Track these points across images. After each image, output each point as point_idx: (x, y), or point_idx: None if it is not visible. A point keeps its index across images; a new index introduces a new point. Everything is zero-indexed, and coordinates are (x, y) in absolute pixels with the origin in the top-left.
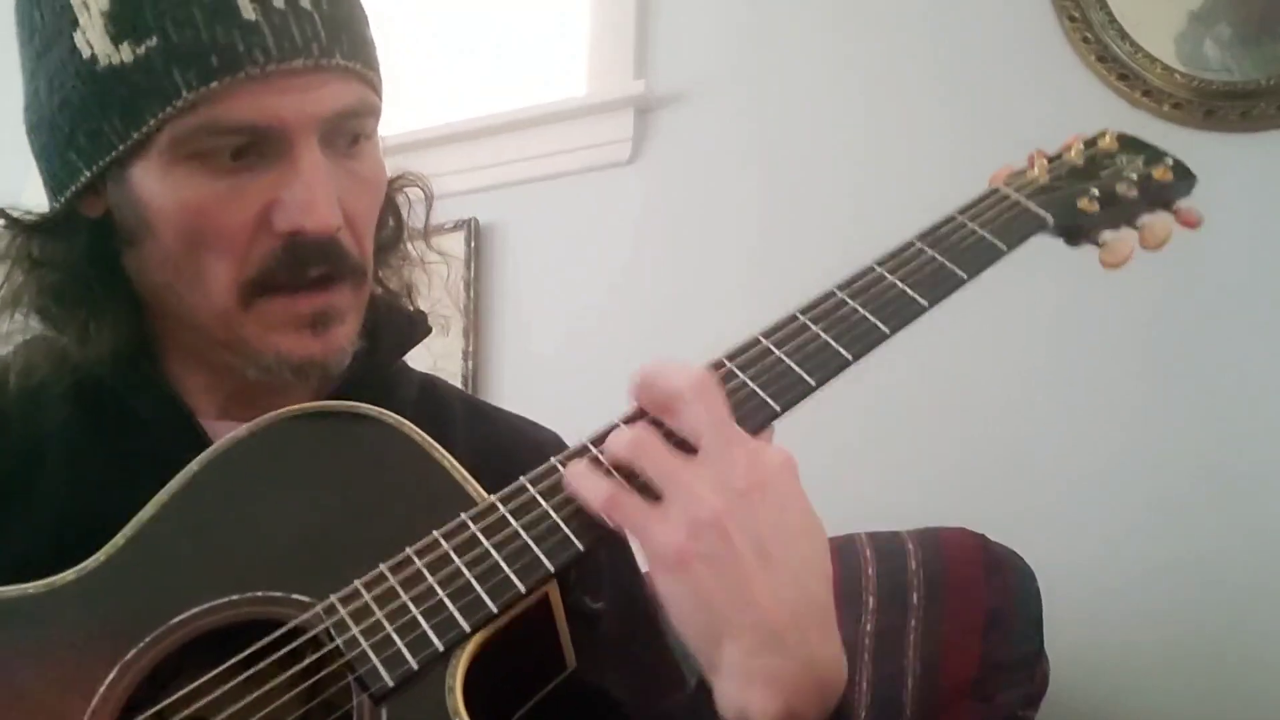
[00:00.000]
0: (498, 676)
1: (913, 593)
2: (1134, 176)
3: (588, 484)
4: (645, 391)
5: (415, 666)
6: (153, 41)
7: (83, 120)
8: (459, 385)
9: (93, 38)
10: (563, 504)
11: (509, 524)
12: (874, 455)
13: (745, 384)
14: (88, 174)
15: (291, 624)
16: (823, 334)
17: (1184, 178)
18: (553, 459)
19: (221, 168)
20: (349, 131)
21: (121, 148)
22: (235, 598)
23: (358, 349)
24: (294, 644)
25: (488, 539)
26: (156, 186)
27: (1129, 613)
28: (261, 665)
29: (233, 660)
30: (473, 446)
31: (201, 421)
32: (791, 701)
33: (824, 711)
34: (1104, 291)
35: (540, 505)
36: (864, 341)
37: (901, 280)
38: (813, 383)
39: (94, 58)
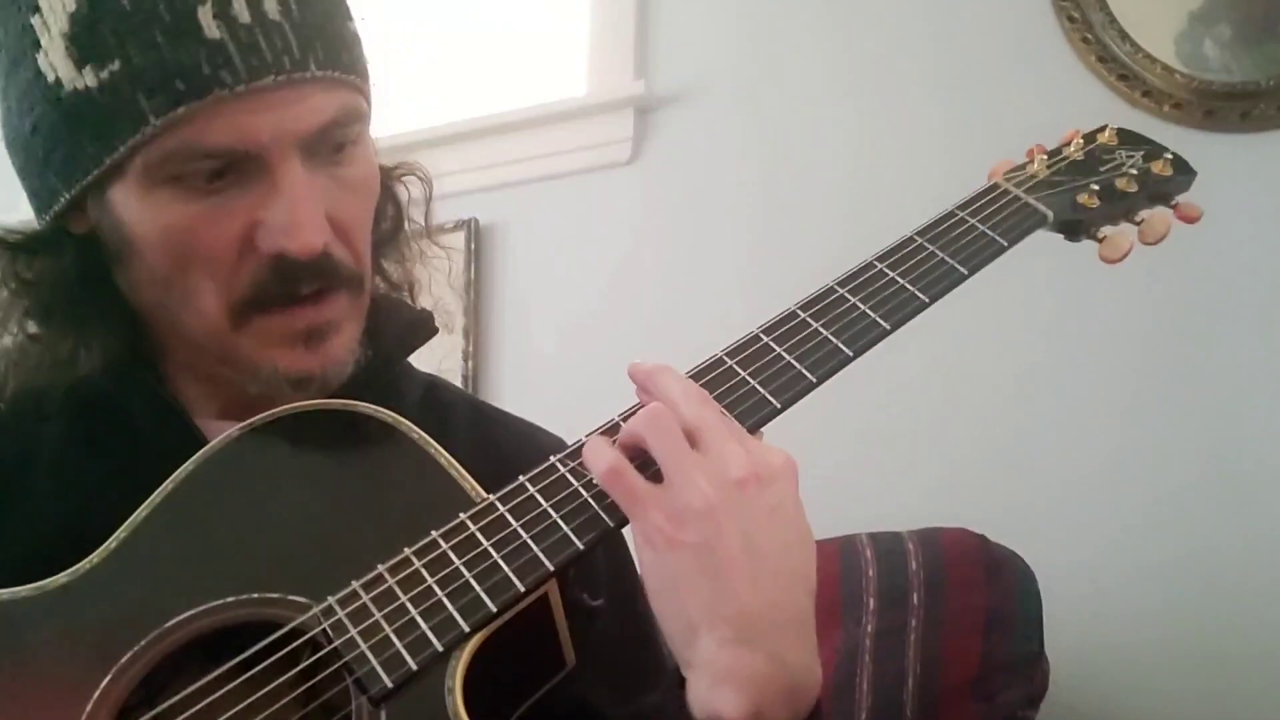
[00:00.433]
0: (497, 676)
1: (913, 593)
2: (1133, 171)
3: (596, 453)
4: (643, 394)
5: (415, 667)
6: (115, 65)
7: (55, 144)
8: (459, 385)
9: (55, 61)
10: (562, 503)
11: (508, 523)
12: (874, 455)
13: (746, 381)
14: (66, 195)
15: (290, 626)
16: (823, 330)
17: (1183, 172)
18: (552, 458)
19: (201, 189)
20: (334, 141)
21: (96, 172)
22: (232, 599)
23: (360, 355)
24: (292, 646)
25: (487, 539)
26: (136, 208)
27: (1129, 613)
28: (259, 668)
29: (230, 663)
30: (476, 449)
31: (199, 422)
32: (760, 703)
33: (794, 717)
34: (1104, 291)
35: (539, 504)
36: (864, 338)
37: (902, 276)
38: (814, 379)
39: (59, 82)
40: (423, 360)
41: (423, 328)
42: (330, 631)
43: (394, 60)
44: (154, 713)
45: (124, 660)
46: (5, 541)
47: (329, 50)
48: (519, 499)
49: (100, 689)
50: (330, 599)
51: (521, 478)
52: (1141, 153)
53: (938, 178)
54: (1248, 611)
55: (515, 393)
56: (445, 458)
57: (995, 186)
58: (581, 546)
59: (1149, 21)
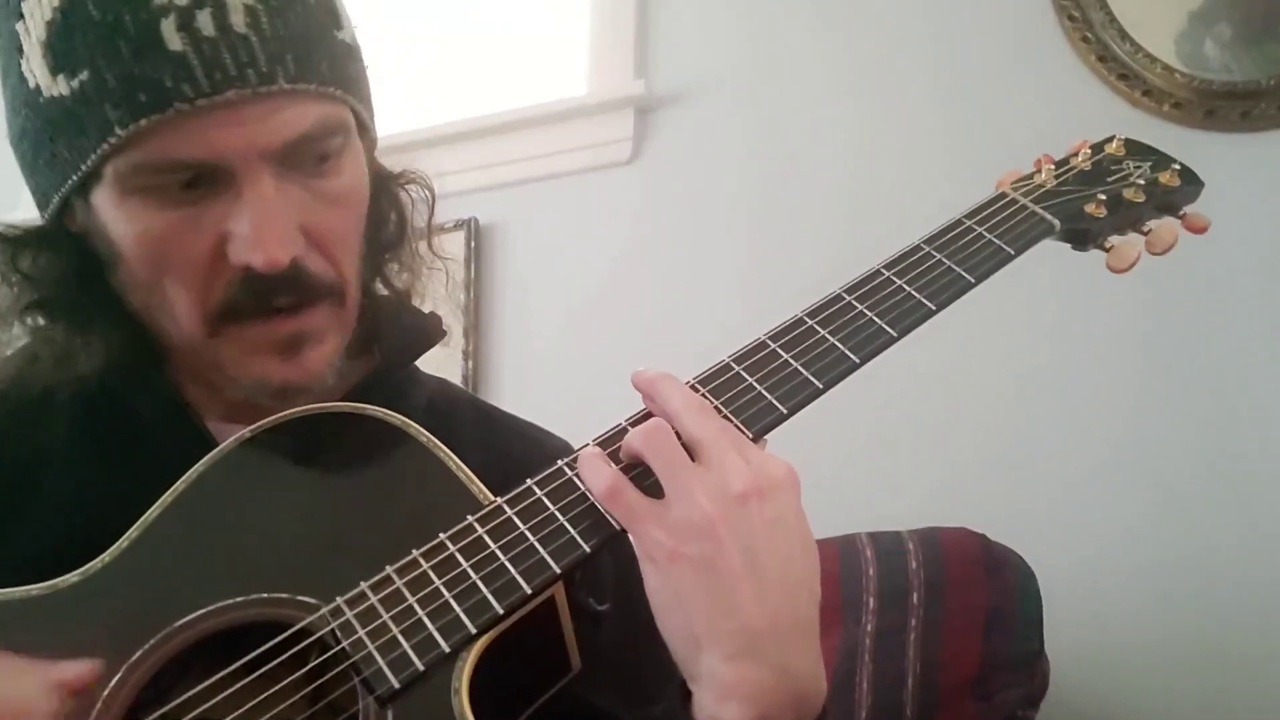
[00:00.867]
0: (503, 678)
1: (913, 593)
2: (1141, 181)
3: (593, 472)
4: (648, 402)
5: (421, 668)
6: (85, 75)
7: (40, 148)
8: (459, 385)
9: (35, 67)
10: (569, 506)
11: (515, 526)
12: (875, 455)
13: (753, 387)
14: (56, 197)
15: (298, 626)
16: (830, 337)
17: (1191, 183)
18: (559, 462)
19: (172, 199)
20: (312, 154)
21: (75, 178)
22: (240, 599)
23: (375, 358)
24: (300, 646)
25: (494, 541)
26: (114, 215)
27: (1129, 613)
28: (267, 667)
29: (239, 662)
30: (484, 453)
31: (207, 423)
32: (767, 714)
33: None
34: (1104, 292)
35: (546, 508)
36: (870, 346)
37: (909, 284)
38: (820, 386)
39: (38, 88)
40: (423, 360)
41: (430, 332)
42: (338, 632)
43: (394, 60)
44: (162, 711)
45: (134, 658)
46: (17, 539)
47: (303, 62)
48: (526, 502)
49: (110, 687)
50: (338, 599)
51: (529, 481)
52: (1149, 163)
53: (937, 177)
54: (1247, 611)
55: (515, 393)
56: (453, 461)
57: (1003, 195)
58: (588, 550)
59: (1149, 21)
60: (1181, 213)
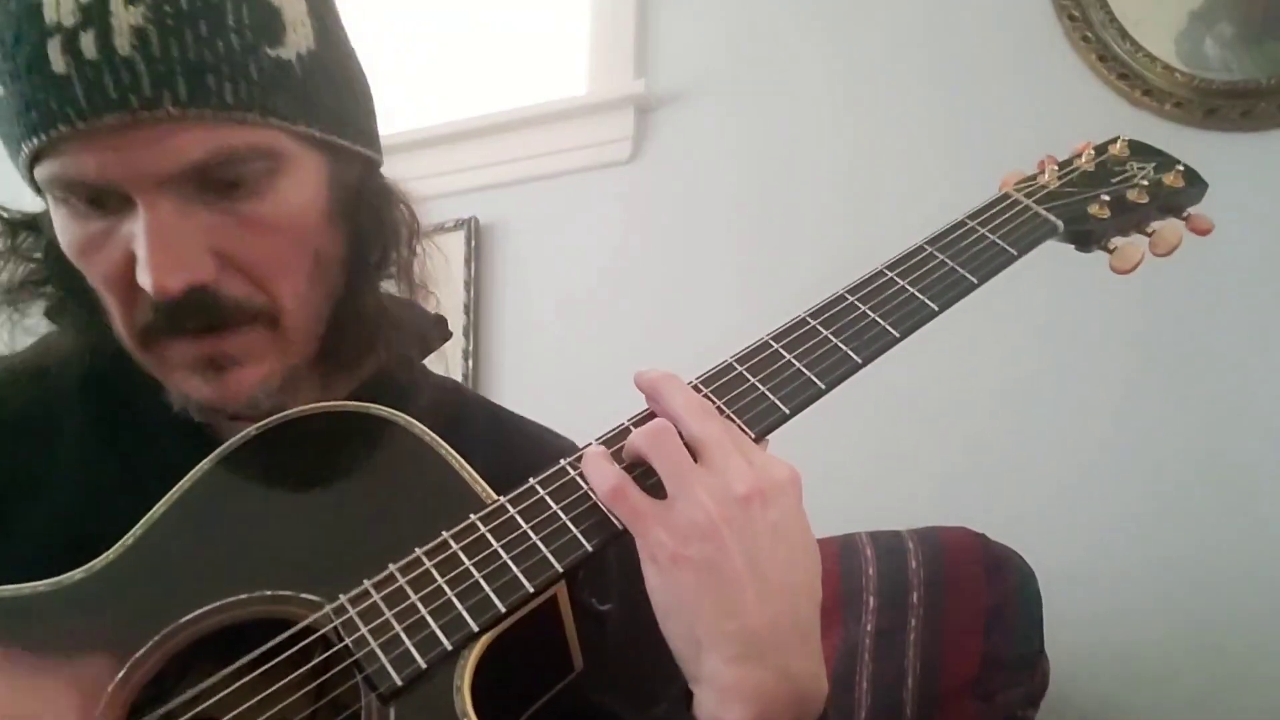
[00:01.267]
0: (505, 677)
1: (913, 592)
2: (1145, 183)
3: (597, 472)
4: (650, 402)
5: (424, 666)
6: (1, 90)
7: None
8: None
9: None
10: (571, 505)
11: (518, 525)
12: (874, 455)
13: (755, 387)
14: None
15: (301, 624)
16: (833, 338)
17: (1195, 184)
18: (562, 461)
19: (85, 214)
20: (221, 180)
21: (25, 179)
22: (244, 597)
23: (380, 359)
24: (303, 643)
25: (497, 540)
26: (54, 218)
27: (1129, 612)
28: (270, 665)
29: (242, 660)
30: (493, 454)
31: (214, 422)
32: (768, 715)
33: None
34: (1104, 291)
35: (549, 507)
36: (873, 346)
37: (912, 285)
38: (823, 386)
39: None
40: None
41: (434, 334)
42: (341, 629)
43: (395, 60)
44: (166, 708)
45: (137, 655)
46: (24, 535)
47: (198, 86)
48: (529, 501)
49: (114, 683)
50: (342, 597)
51: (531, 480)
52: (1153, 164)
53: (936, 177)
54: (1247, 610)
55: (515, 392)
56: (456, 460)
57: (1006, 196)
58: (590, 549)
59: (1149, 20)
60: (1185, 214)
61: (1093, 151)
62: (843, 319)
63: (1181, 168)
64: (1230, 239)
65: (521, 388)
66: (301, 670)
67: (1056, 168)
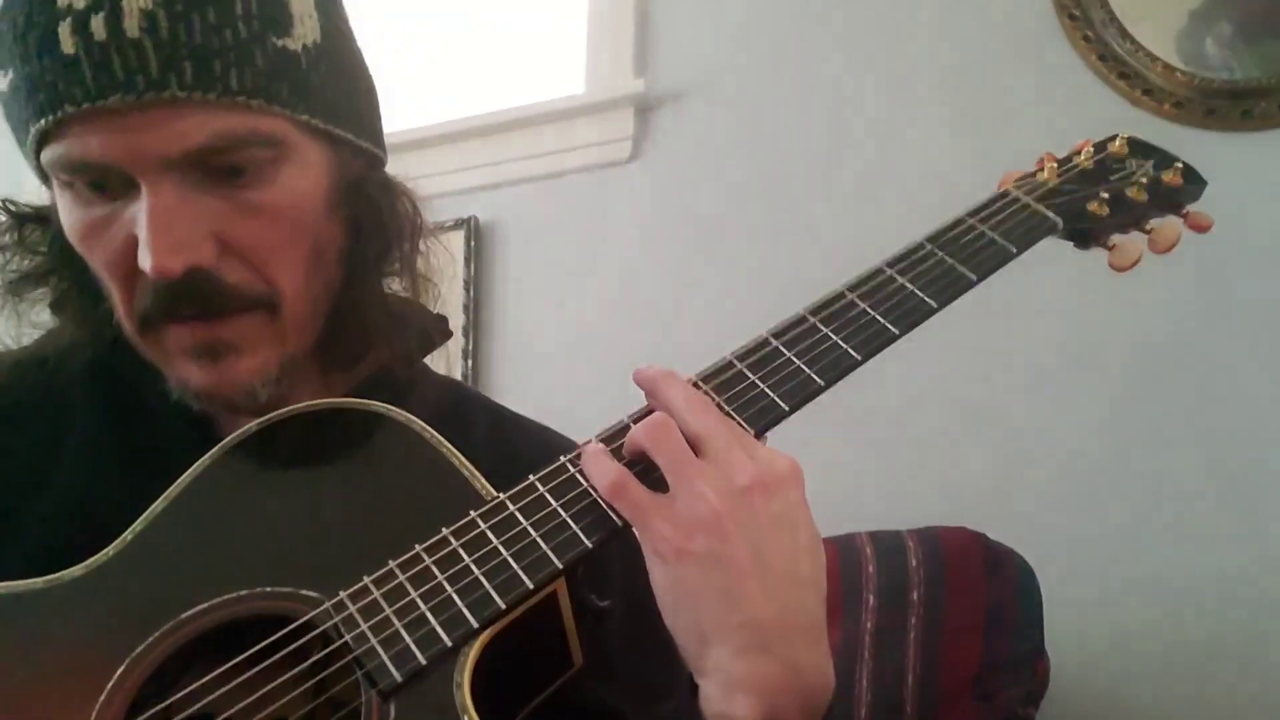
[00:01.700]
0: (505, 673)
1: (913, 591)
2: (1144, 180)
3: (598, 468)
4: (650, 399)
5: (424, 662)
6: (9, 74)
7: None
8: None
9: None
10: (571, 502)
11: (518, 521)
12: (874, 455)
13: (755, 384)
14: (38, 178)
15: (301, 620)
16: (832, 335)
17: (1194, 182)
18: (562, 458)
19: (89, 198)
20: (223, 164)
21: (31, 165)
22: (244, 593)
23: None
24: (303, 640)
25: (497, 536)
26: (59, 204)
27: (1129, 612)
28: (270, 661)
29: (242, 656)
30: (495, 452)
31: (213, 417)
32: (775, 707)
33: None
34: (1104, 291)
35: (549, 503)
36: (873, 343)
37: (911, 282)
38: (822, 383)
39: None
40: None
41: (435, 331)
42: (341, 626)
43: (395, 60)
44: (166, 704)
45: (137, 652)
46: (26, 529)
47: (205, 71)
48: (529, 498)
49: (114, 680)
50: (342, 594)
51: (531, 477)
52: (1152, 162)
53: (938, 174)
54: (1247, 609)
55: (515, 391)
56: (456, 457)
57: (1005, 194)
58: (590, 545)
59: (1150, 19)
60: (1184, 211)
61: (1092, 149)
62: (842, 316)
63: (1180, 165)
64: (1230, 239)
65: (521, 387)
66: (301, 667)
67: (1056, 165)
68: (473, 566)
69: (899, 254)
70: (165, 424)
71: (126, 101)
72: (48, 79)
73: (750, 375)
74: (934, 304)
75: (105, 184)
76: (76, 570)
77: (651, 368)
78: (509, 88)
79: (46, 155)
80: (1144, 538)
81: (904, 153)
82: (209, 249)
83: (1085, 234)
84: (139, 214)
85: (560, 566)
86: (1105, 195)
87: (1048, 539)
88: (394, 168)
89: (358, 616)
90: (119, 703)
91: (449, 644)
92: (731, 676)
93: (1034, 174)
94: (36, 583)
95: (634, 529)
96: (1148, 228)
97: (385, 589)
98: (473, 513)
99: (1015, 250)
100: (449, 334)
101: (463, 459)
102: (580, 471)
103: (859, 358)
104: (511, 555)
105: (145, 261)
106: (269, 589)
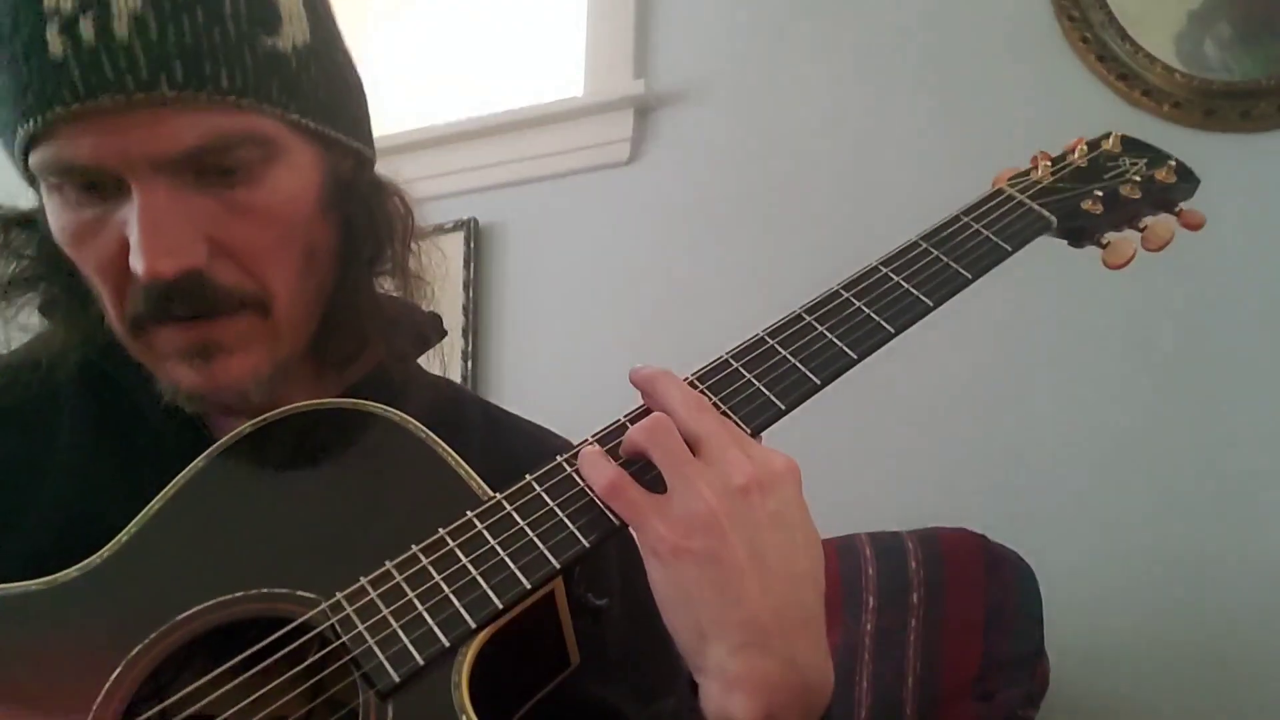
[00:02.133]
0: (503, 673)
1: (913, 592)
2: (1137, 178)
3: (594, 468)
4: (646, 399)
5: (421, 662)
6: None
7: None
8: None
9: None
10: (568, 502)
11: (515, 522)
12: (874, 455)
13: (751, 383)
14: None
15: (297, 621)
16: (827, 333)
17: (1187, 180)
18: (558, 458)
19: (78, 201)
20: (215, 165)
21: (18, 169)
22: (240, 595)
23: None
24: (300, 641)
25: (494, 537)
26: (47, 207)
27: (1129, 612)
28: (267, 662)
29: (238, 657)
30: (490, 453)
31: (207, 418)
32: (774, 705)
33: (807, 718)
34: (1103, 291)
35: (546, 503)
36: (868, 341)
37: (906, 280)
38: (818, 381)
39: None
40: (422, 360)
41: (428, 331)
42: (338, 627)
43: (395, 60)
44: (162, 706)
45: (133, 653)
46: (20, 532)
47: (194, 70)
48: (525, 498)
49: (110, 682)
50: (338, 594)
51: (528, 476)
52: (1145, 159)
53: (935, 177)
54: (1247, 609)
55: (514, 392)
56: (452, 457)
57: (999, 192)
58: (588, 545)
59: (1149, 20)
60: (1178, 209)
61: (1085, 147)
62: (837, 315)
63: (1173, 163)
64: (1229, 239)
65: (521, 388)
66: (298, 668)
67: (1049, 163)
68: (470, 567)
69: (894, 252)
70: (158, 426)
71: (116, 102)
72: (36, 81)
73: (746, 374)
74: (929, 302)
75: (95, 187)
76: (72, 572)
77: (648, 367)
78: (508, 90)
79: (35, 158)
80: (1144, 538)
81: (903, 154)
82: (201, 250)
83: (1079, 232)
84: (130, 216)
85: (558, 566)
86: (1099, 193)
87: (1048, 539)
88: (394, 169)
89: (355, 617)
90: (115, 705)
91: (447, 644)
92: (730, 674)
93: (1028, 172)
94: (32, 585)
95: (632, 529)
96: (1141, 225)
97: (382, 589)
98: (469, 513)
99: (1010, 249)
100: (444, 333)
101: (458, 459)
102: (577, 471)
103: (854, 356)
104: (509, 555)
105: (137, 264)
106: (265, 590)
